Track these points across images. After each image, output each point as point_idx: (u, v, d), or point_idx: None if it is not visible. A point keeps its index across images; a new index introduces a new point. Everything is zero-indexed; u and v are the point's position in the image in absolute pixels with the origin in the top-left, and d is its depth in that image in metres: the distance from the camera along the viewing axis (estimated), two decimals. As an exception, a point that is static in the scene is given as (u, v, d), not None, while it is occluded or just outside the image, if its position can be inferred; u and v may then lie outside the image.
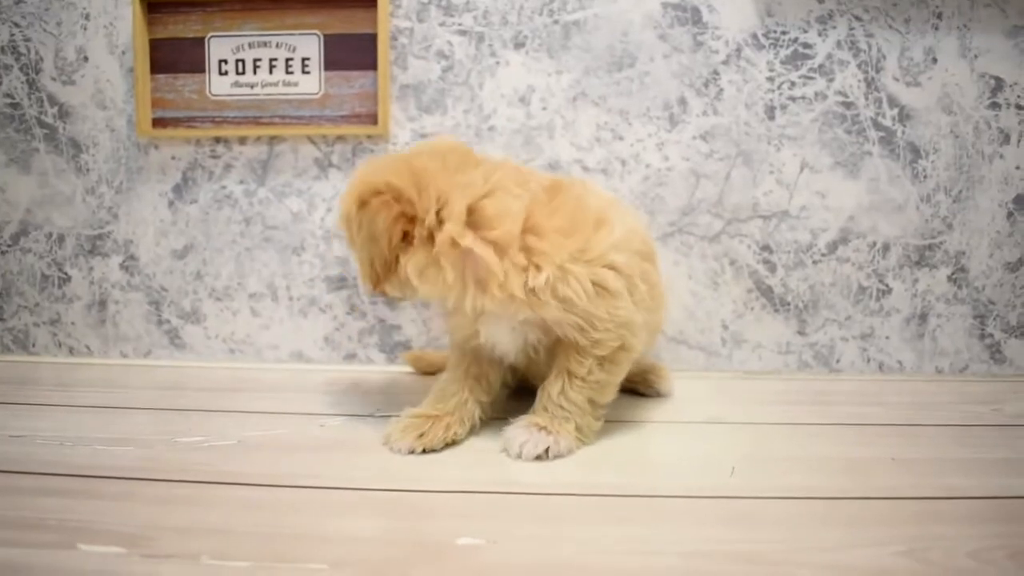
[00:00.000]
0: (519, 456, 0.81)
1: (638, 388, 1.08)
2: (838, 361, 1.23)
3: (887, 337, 1.23)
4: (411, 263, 0.80)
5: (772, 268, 1.22)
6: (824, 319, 1.23)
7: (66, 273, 1.31)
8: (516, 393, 0.98)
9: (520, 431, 0.83)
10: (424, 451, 0.83)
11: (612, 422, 0.95)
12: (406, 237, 0.80)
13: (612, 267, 0.82)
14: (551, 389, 0.85)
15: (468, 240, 0.78)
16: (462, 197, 0.79)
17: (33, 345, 1.34)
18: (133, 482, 0.73)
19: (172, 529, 0.62)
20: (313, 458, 0.81)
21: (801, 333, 1.23)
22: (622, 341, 0.84)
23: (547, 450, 0.81)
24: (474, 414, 0.89)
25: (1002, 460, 0.81)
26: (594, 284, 0.80)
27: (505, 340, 0.86)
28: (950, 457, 0.82)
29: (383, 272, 0.82)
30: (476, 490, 0.72)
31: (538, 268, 0.79)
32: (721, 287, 1.23)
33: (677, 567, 0.56)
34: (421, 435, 0.83)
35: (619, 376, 0.87)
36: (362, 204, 0.80)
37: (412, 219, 0.80)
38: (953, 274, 1.22)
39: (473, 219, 0.79)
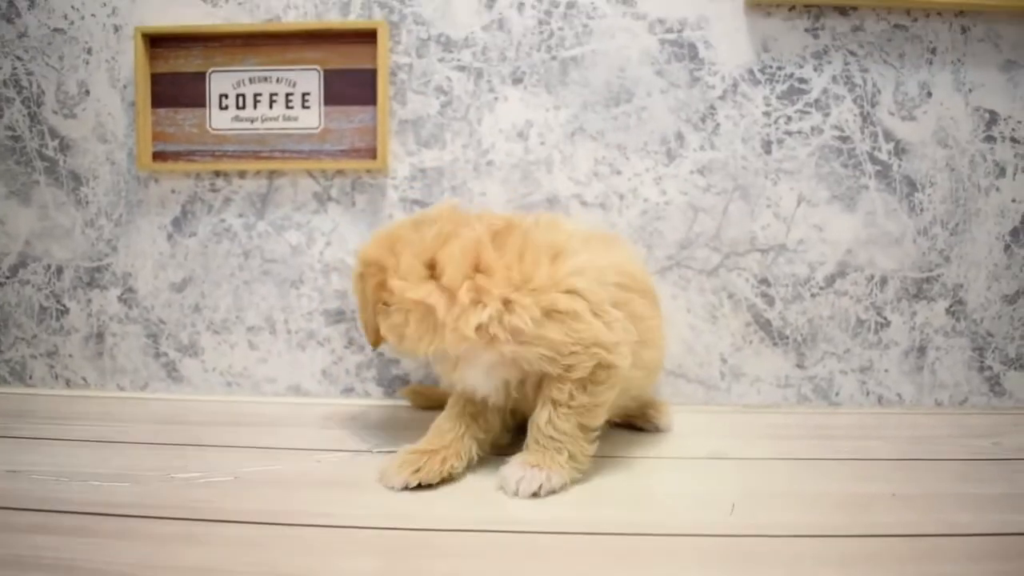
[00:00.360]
0: (516, 494, 0.81)
1: (636, 423, 1.08)
2: (837, 394, 1.23)
3: (886, 370, 1.23)
4: (384, 323, 0.89)
5: (770, 301, 1.22)
6: (823, 352, 1.23)
7: (64, 305, 1.31)
8: (520, 430, 0.97)
9: (515, 469, 0.83)
10: (420, 485, 0.82)
11: (611, 457, 0.94)
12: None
13: (570, 291, 0.83)
14: (539, 420, 0.85)
15: (419, 292, 0.84)
16: (411, 254, 0.86)
17: (30, 377, 1.33)
18: (129, 519, 0.73)
19: (168, 568, 0.62)
20: (310, 495, 0.80)
21: (800, 366, 1.23)
22: (597, 360, 0.83)
23: (540, 487, 0.81)
24: (471, 449, 0.89)
25: (1002, 495, 0.81)
26: (545, 310, 0.81)
27: (482, 383, 0.88)
28: (950, 492, 0.82)
29: (374, 333, 0.93)
30: (475, 528, 0.72)
31: (483, 305, 0.81)
32: (719, 320, 1.23)
33: (677, 608, 0.56)
34: (417, 470, 0.83)
35: (604, 396, 0.86)
36: (359, 276, 0.92)
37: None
38: (951, 307, 1.22)
39: (434, 271, 0.85)
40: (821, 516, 0.75)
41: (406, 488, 0.82)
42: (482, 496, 0.81)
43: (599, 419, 0.87)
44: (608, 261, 0.90)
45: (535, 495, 0.80)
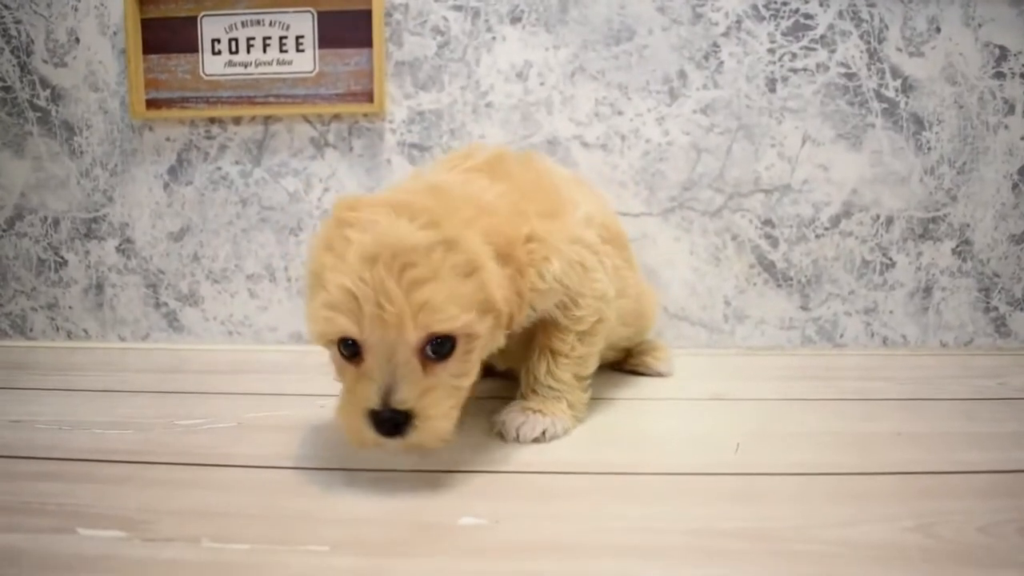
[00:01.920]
0: (516, 439, 0.79)
1: (637, 369, 1.07)
2: (842, 336, 1.23)
3: (891, 311, 1.22)
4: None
5: (774, 243, 1.21)
6: (827, 294, 1.22)
7: (62, 257, 1.30)
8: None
9: (515, 414, 0.81)
10: None
11: (612, 399, 0.94)
12: None
13: (581, 242, 0.80)
14: (536, 371, 0.83)
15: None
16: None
17: (31, 330, 1.33)
18: (132, 465, 0.72)
19: (172, 512, 0.61)
20: (313, 439, 0.80)
21: (804, 308, 1.22)
22: (600, 315, 0.82)
23: (544, 432, 0.80)
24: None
25: (1009, 433, 0.81)
26: (571, 261, 0.77)
27: None
28: (957, 431, 0.81)
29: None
30: (477, 470, 0.71)
31: (547, 260, 0.75)
32: (723, 263, 1.22)
33: (683, 545, 0.56)
34: None
35: (599, 346, 0.85)
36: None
37: None
38: (957, 247, 1.21)
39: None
40: (827, 455, 0.74)
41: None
42: (482, 439, 0.81)
43: (592, 367, 0.86)
44: (595, 209, 0.88)
45: (537, 440, 0.79)
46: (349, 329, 0.63)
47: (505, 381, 0.94)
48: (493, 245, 0.68)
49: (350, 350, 0.65)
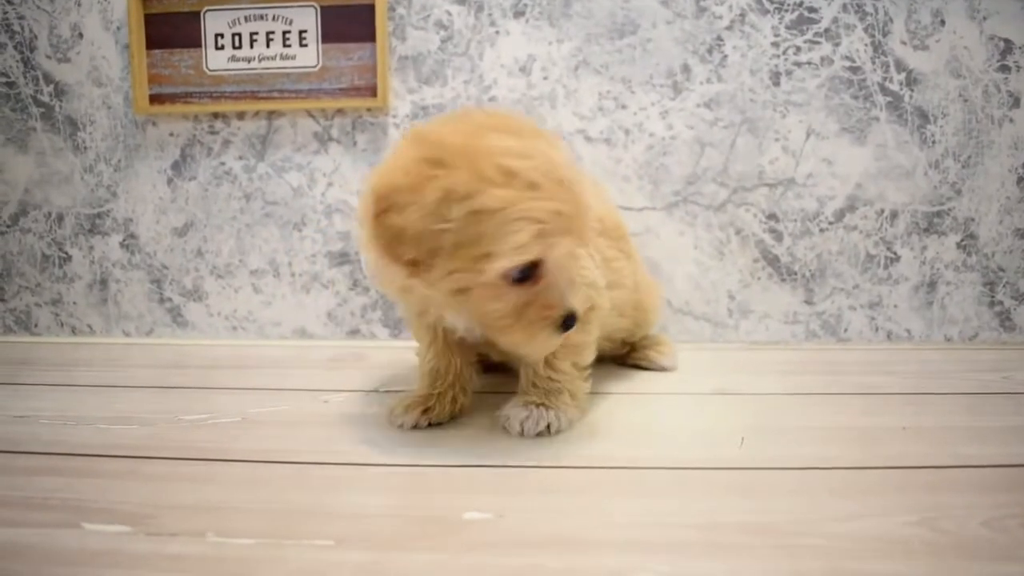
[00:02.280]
0: (520, 434, 0.79)
1: (641, 364, 1.07)
2: (846, 330, 1.22)
3: (895, 305, 1.22)
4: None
5: (778, 237, 1.21)
6: (831, 288, 1.22)
7: (66, 253, 1.31)
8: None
9: (518, 409, 0.81)
10: (430, 424, 0.82)
11: (616, 394, 0.94)
12: None
13: None
14: (535, 364, 0.83)
15: None
16: None
17: (35, 325, 1.33)
18: (137, 460, 0.72)
19: (177, 507, 0.62)
20: (317, 434, 0.80)
21: (808, 302, 1.22)
22: (591, 302, 0.82)
23: (548, 426, 0.80)
24: (472, 378, 0.87)
25: (1013, 428, 0.81)
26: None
27: (458, 322, 0.81)
28: (961, 426, 0.81)
29: None
30: (481, 464, 0.71)
31: None
32: (727, 257, 1.22)
33: (687, 539, 0.56)
34: (426, 410, 0.82)
35: (594, 335, 0.85)
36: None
37: None
38: (962, 241, 1.20)
39: None
40: (831, 449, 0.74)
41: (416, 428, 0.81)
42: (486, 434, 0.81)
43: (590, 357, 0.85)
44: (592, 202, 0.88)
45: (541, 435, 0.79)
46: (561, 246, 0.68)
47: (502, 376, 0.94)
48: None
49: (526, 273, 0.69)
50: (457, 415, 0.85)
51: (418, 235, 0.65)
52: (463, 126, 0.69)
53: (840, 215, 1.20)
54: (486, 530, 0.57)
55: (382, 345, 1.23)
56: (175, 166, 1.27)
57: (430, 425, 0.82)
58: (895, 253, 1.21)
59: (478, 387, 0.89)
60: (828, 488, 0.65)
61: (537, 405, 0.81)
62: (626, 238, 1.00)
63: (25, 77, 1.27)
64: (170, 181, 1.27)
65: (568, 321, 0.72)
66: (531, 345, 0.73)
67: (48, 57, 1.26)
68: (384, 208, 0.67)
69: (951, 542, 0.54)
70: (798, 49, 1.17)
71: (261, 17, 1.21)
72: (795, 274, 1.22)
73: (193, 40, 1.23)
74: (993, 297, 1.21)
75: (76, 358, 1.18)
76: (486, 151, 0.66)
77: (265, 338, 1.29)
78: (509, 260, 0.66)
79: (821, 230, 1.21)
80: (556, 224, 0.66)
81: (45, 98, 1.27)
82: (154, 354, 1.19)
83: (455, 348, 0.86)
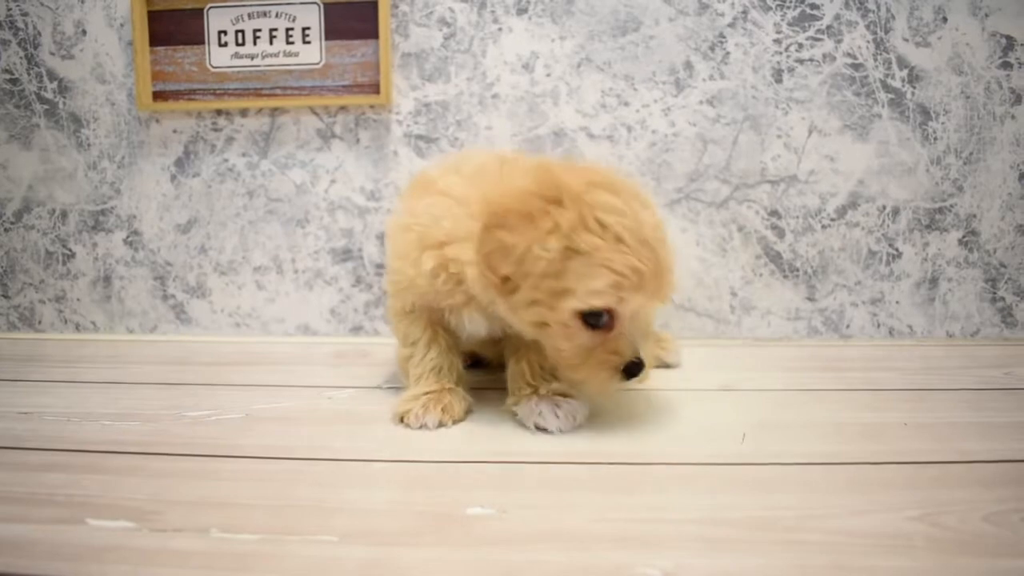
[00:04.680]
0: (559, 429, 0.79)
1: (643, 360, 1.07)
2: (848, 327, 1.22)
3: (897, 302, 1.22)
4: None
5: (781, 234, 1.21)
6: (833, 284, 1.22)
7: (70, 249, 1.31)
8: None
9: (544, 404, 0.80)
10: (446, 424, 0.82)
11: (622, 390, 0.94)
12: None
13: None
14: (541, 359, 0.84)
15: None
16: None
17: (39, 322, 1.33)
18: (141, 457, 0.73)
19: (181, 503, 0.62)
20: (321, 430, 0.80)
21: (810, 299, 1.22)
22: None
23: (574, 417, 0.80)
24: (467, 380, 0.89)
25: (1015, 424, 0.81)
26: None
27: (481, 327, 0.85)
28: (963, 421, 0.81)
29: None
30: (484, 460, 0.72)
31: None
32: (729, 253, 1.22)
33: (689, 534, 0.56)
34: (443, 409, 0.82)
35: None
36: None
37: None
38: (964, 237, 1.20)
39: None
40: (833, 445, 0.74)
41: (423, 427, 0.81)
42: (487, 429, 0.81)
43: None
44: None
45: (561, 430, 0.79)
46: (634, 300, 0.74)
47: (496, 373, 0.94)
48: None
49: (599, 320, 0.74)
50: (470, 412, 0.85)
51: (520, 255, 0.72)
52: (578, 176, 0.76)
53: (842, 212, 1.20)
54: (489, 525, 0.58)
55: (385, 342, 1.23)
56: (178, 163, 1.27)
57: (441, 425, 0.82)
58: (897, 249, 1.21)
59: (474, 383, 0.90)
60: (830, 484, 0.65)
61: (563, 396, 0.81)
62: None
63: (29, 74, 1.27)
64: (173, 178, 1.27)
65: (632, 369, 0.76)
66: (592, 385, 0.78)
67: (52, 54, 1.26)
68: (496, 223, 0.73)
69: (953, 537, 0.54)
70: (800, 46, 1.17)
71: (264, 14, 1.21)
72: (797, 271, 1.22)
73: (196, 37, 1.23)
74: (995, 293, 1.21)
75: (80, 355, 1.18)
76: (592, 202, 0.73)
77: (268, 335, 1.29)
78: (582, 301, 0.72)
79: (823, 227, 1.21)
80: (632, 279, 0.72)
81: (49, 95, 1.27)
82: (158, 351, 1.20)
83: (454, 347, 0.89)
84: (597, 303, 0.73)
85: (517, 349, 0.86)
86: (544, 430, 0.79)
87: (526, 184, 0.76)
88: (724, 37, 1.18)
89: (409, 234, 0.83)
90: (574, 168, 0.79)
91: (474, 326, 0.84)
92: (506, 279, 0.74)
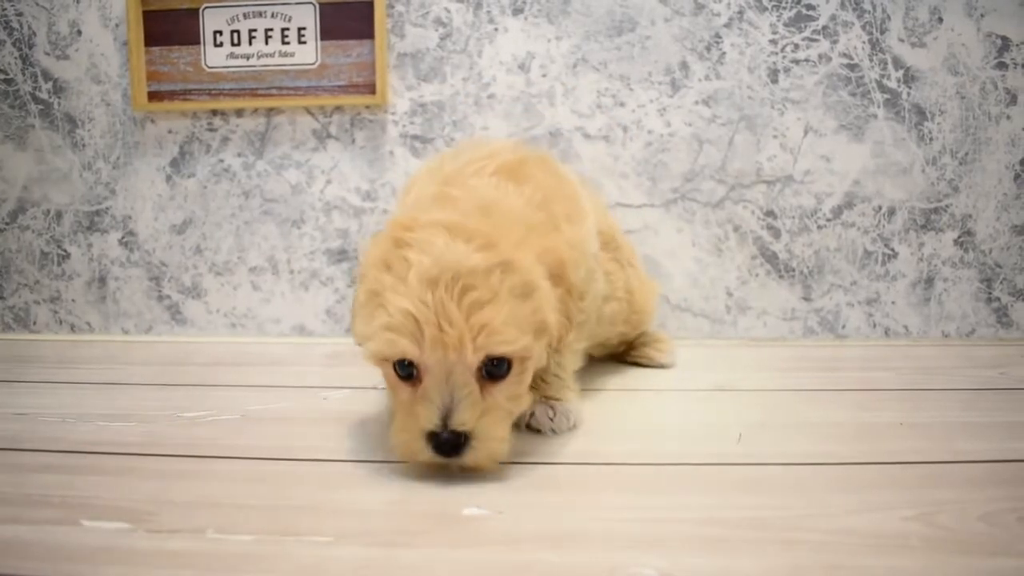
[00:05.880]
0: (552, 432, 0.78)
1: (639, 361, 1.07)
2: (844, 327, 1.23)
3: (893, 302, 1.22)
4: None
5: (776, 234, 1.21)
6: (829, 284, 1.22)
7: (65, 250, 1.31)
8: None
9: (537, 406, 0.79)
10: None
11: (614, 391, 0.94)
12: None
13: (589, 252, 0.83)
14: (547, 363, 0.84)
15: None
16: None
17: (34, 323, 1.33)
18: (136, 457, 0.73)
19: (176, 504, 0.62)
20: (316, 431, 0.80)
21: (806, 299, 1.22)
22: (598, 312, 0.85)
23: (574, 421, 0.80)
24: None
25: (1010, 424, 0.81)
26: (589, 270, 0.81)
27: None
28: (958, 421, 0.82)
29: None
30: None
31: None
32: (725, 254, 1.22)
33: (685, 534, 0.56)
34: None
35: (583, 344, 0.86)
36: None
37: None
38: (960, 237, 1.20)
39: None
40: (829, 445, 0.74)
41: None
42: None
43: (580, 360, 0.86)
44: (596, 215, 0.90)
45: (565, 430, 0.79)
46: (410, 351, 0.63)
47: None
48: (545, 265, 0.68)
49: (407, 371, 0.66)
50: None
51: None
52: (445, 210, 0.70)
53: (838, 212, 1.20)
54: (485, 526, 0.58)
55: (381, 342, 1.23)
56: (174, 163, 1.27)
57: None
58: (893, 250, 1.21)
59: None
60: (826, 483, 0.65)
61: (554, 400, 0.81)
62: (621, 247, 1.00)
63: (24, 74, 1.27)
64: (169, 178, 1.27)
65: (435, 440, 0.64)
66: (398, 450, 0.67)
67: (47, 54, 1.26)
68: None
69: (948, 537, 0.54)
70: (796, 46, 1.18)
71: (260, 14, 1.21)
72: (793, 271, 1.22)
73: (192, 37, 1.23)
74: (990, 293, 1.21)
75: (75, 355, 1.18)
76: (410, 239, 0.66)
77: (264, 335, 1.29)
78: (369, 347, 0.67)
79: (819, 227, 1.21)
80: (407, 325, 0.63)
81: (44, 95, 1.27)
82: (153, 351, 1.20)
83: None
84: (372, 347, 0.65)
85: None
86: (538, 432, 0.79)
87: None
88: (720, 37, 1.18)
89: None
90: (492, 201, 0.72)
91: None
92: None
